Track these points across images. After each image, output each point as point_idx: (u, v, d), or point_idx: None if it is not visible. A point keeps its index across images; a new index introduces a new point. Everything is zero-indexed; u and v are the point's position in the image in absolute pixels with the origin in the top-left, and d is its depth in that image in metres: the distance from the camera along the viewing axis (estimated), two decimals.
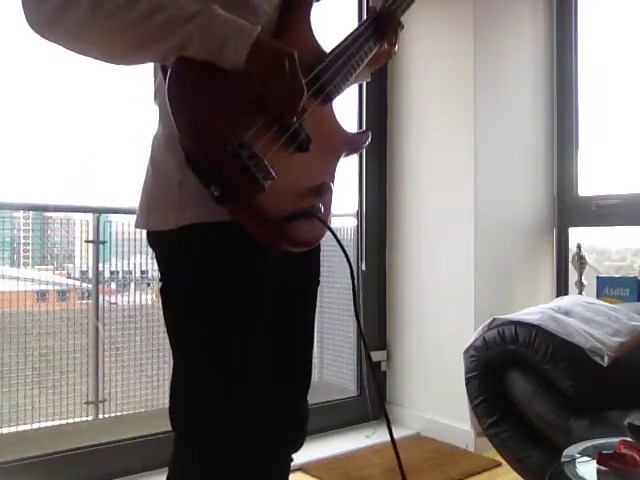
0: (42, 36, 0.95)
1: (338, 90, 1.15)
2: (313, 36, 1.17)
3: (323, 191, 1.05)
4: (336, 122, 1.17)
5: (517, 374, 1.95)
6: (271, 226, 0.95)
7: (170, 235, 1.03)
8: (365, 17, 1.28)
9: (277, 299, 1.12)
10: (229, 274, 1.03)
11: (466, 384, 2.05)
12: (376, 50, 1.26)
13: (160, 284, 1.09)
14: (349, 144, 1.19)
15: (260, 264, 1.05)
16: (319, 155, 1.08)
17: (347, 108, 3.08)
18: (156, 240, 1.09)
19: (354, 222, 3.10)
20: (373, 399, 3.07)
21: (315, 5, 1.18)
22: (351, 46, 1.18)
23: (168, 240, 1.05)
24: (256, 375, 1.07)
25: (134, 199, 1.13)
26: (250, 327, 1.05)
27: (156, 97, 1.10)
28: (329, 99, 1.13)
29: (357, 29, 1.23)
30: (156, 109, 1.10)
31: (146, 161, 1.10)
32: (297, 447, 1.25)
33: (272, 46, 0.99)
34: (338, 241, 1.06)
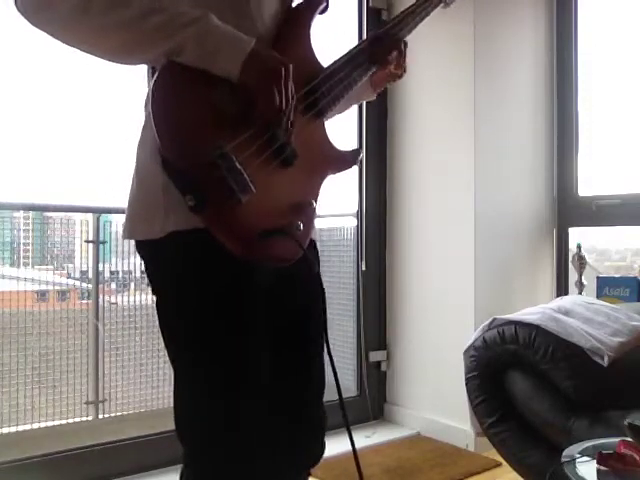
0: (29, 21, 0.94)
1: (331, 107, 1.13)
2: (311, 51, 1.16)
3: (304, 209, 1.03)
4: (326, 139, 1.15)
5: (517, 374, 1.95)
6: (244, 241, 0.94)
7: (156, 244, 1.01)
8: (364, 38, 1.27)
9: (276, 306, 1.10)
10: (217, 280, 1.01)
11: (466, 384, 2.05)
12: (371, 73, 1.24)
13: (154, 297, 1.08)
14: (338, 163, 1.16)
15: (246, 269, 1.01)
16: (304, 172, 1.06)
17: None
18: (143, 249, 1.07)
19: (354, 222, 3.10)
20: (373, 399, 3.07)
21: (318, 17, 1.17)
22: (347, 65, 1.17)
23: (154, 249, 1.04)
24: (258, 377, 1.06)
25: None
26: (244, 330, 1.03)
27: (147, 103, 1.06)
28: (321, 115, 1.11)
29: (353, 49, 1.22)
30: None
31: None
32: (314, 458, 1.20)
33: (268, 56, 0.98)
34: (309, 262, 1.02)
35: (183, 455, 1.07)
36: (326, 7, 1.17)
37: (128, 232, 1.07)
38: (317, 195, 1.09)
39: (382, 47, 1.23)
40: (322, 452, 1.21)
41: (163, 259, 1.04)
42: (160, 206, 0.99)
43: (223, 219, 0.93)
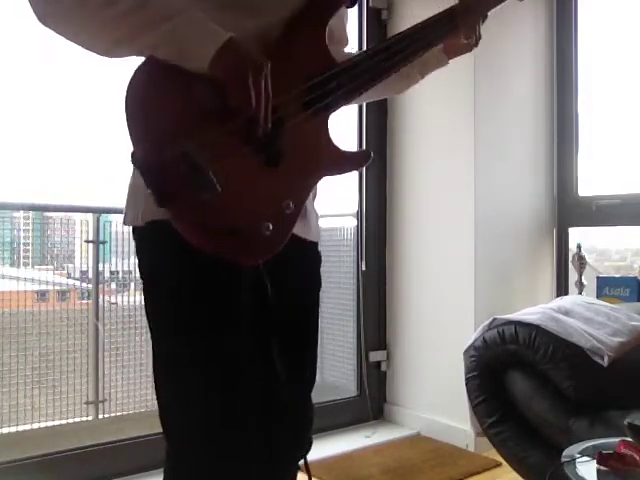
0: (42, 23, 0.96)
1: (335, 105, 1.08)
2: (324, 46, 1.10)
3: (278, 211, 0.98)
4: (326, 138, 1.09)
5: (517, 374, 1.95)
6: (200, 235, 0.93)
7: (140, 231, 1.05)
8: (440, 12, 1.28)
9: (273, 298, 1.10)
10: (193, 271, 1.00)
11: (466, 384, 2.05)
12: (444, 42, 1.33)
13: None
14: (339, 163, 1.10)
15: (223, 263, 0.99)
16: (290, 172, 1.01)
17: (347, 107, 3.07)
18: (133, 236, 1.10)
19: (354, 222, 3.10)
20: (373, 399, 3.07)
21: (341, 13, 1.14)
22: (369, 59, 1.13)
23: (138, 236, 1.08)
24: (247, 372, 1.05)
25: None
26: (224, 325, 1.02)
27: None
28: (321, 113, 1.06)
29: (400, 33, 1.18)
30: None
31: None
32: (302, 451, 1.20)
33: (240, 53, 0.95)
34: (259, 272, 1.02)
35: (167, 454, 1.05)
36: (353, 1, 1.12)
37: (123, 219, 1.11)
38: (301, 197, 1.04)
39: (465, 18, 1.30)
40: (310, 446, 1.21)
41: (144, 246, 1.08)
42: (142, 196, 1.00)
43: (184, 214, 0.93)
